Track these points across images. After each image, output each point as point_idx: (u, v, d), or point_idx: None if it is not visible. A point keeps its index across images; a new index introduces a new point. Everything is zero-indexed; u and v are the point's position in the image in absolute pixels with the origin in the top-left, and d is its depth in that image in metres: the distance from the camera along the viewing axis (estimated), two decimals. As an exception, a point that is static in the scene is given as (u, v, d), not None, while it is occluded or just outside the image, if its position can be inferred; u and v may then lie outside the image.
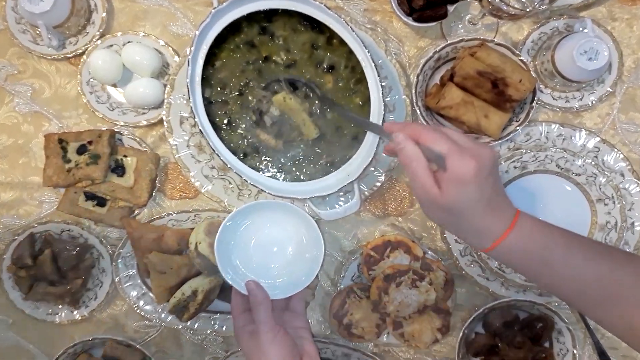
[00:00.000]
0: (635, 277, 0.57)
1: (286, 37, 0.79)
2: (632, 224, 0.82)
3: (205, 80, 0.77)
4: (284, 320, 0.71)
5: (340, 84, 0.79)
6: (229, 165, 0.75)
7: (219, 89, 0.79)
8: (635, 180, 0.81)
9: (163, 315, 0.85)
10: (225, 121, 0.79)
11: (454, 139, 0.56)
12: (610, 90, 0.83)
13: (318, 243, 0.73)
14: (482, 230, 0.58)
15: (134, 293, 0.86)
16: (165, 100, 0.82)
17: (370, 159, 0.74)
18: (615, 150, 0.82)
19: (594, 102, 0.83)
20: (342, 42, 0.75)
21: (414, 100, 0.80)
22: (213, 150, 0.75)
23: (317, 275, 0.82)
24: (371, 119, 0.76)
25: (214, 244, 0.72)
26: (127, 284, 0.86)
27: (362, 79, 0.76)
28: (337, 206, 0.80)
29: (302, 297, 0.74)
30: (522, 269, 0.62)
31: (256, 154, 0.79)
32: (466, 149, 0.56)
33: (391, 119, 0.82)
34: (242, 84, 0.79)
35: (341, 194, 0.82)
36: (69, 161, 0.83)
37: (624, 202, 0.81)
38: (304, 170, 0.80)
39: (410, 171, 0.57)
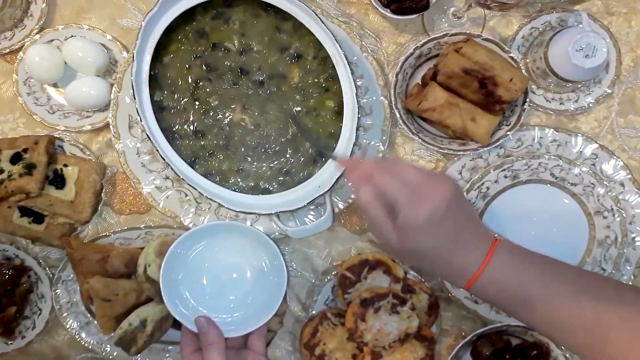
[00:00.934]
0: (621, 319, 0.50)
1: (243, 22, 0.70)
2: (634, 239, 0.75)
3: (154, 79, 0.68)
4: (242, 358, 0.63)
5: (309, 80, 0.70)
6: (181, 177, 0.66)
7: (168, 92, 0.70)
8: (637, 190, 0.74)
9: (109, 347, 0.75)
10: (177, 127, 0.70)
11: (407, 179, 0.51)
12: (608, 91, 0.76)
13: (280, 270, 0.65)
14: (453, 271, 0.55)
15: (76, 322, 0.75)
16: (112, 102, 0.72)
17: (344, 168, 0.66)
18: (615, 157, 0.74)
19: (590, 105, 0.76)
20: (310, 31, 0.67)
21: (393, 102, 0.72)
22: (162, 158, 0.66)
23: (284, 299, 0.73)
24: (344, 123, 0.68)
25: (160, 273, 0.62)
26: (69, 312, 0.75)
27: (335, 75, 0.67)
28: (307, 222, 0.73)
29: (263, 333, 0.65)
30: (499, 306, 0.57)
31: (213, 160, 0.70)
32: (418, 190, 0.51)
33: (368, 122, 0.73)
34: (192, 84, 0.70)
35: (312, 207, 0.73)
36: (1, 172, 0.73)
37: (624, 215, 0.74)
38: (269, 181, 0.71)
39: (368, 217, 0.54)
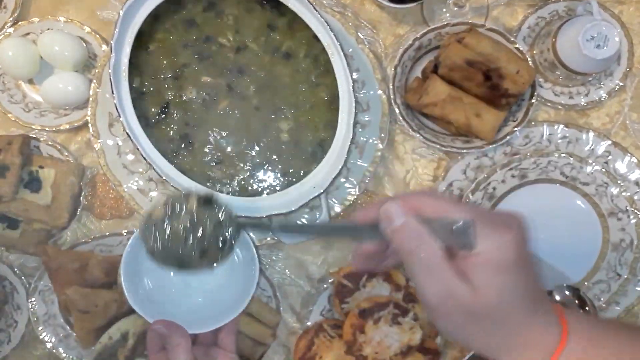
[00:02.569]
0: None
1: (237, 17, 0.65)
2: (650, 241, 0.70)
3: (134, 67, 0.63)
4: (212, 357, 0.59)
5: (298, 76, 0.66)
6: (165, 178, 0.61)
7: (149, 79, 0.65)
8: (652, 189, 0.69)
9: (89, 363, 0.70)
10: (156, 115, 0.65)
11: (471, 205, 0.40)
12: (620, 84, 0.71)
13: (252, 262, 0.61)
14: (529, 347, 0.39)
15: (54, 336, 0.70)
16: (91, 98, 0.67)
17: (340, 167, 0.62)
18: (629, 154, 0.70)
19: (602, 98, 0.71)
20: (306, 26, 0.62)
21: (392, 97, 0.67)
22: (144, 158, 0.61)
23: (277, 310, 0.69)
24: (340, 119, 0.63)
25: (121, 266, 0.58)
26: (47, 325, 0.71)
27: (328, 71, 0.63)
28: (301, 225, 0.67)
29: (233, 330, 0.61)
30: None
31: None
32: (492, 215, 0.40)
33: (366, 119, 0.69)
34: (177, 71, 0.65)
35: (306, 210, 0.68)
36: (-28, 174, 0.68)
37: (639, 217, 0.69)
38: (260, 181, 0.66)
39: (417, 262, 0.38)
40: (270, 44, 0.66)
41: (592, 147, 0.70)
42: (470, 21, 0.68)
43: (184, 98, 0.66)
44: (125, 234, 0.70)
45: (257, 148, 0.66)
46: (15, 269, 0.71)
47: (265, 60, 0.66)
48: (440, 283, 0.37)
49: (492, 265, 0.37)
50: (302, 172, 0.66)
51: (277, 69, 0.66)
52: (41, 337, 0.70)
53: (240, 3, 0.66)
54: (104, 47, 0.71)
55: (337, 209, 0.69)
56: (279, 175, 0.66)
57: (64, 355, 0.70)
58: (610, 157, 0.70)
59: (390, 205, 0.39)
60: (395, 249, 0.39)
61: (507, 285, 0.37)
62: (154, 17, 0.63)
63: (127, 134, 0.60)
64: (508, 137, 0.68)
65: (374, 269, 0.48)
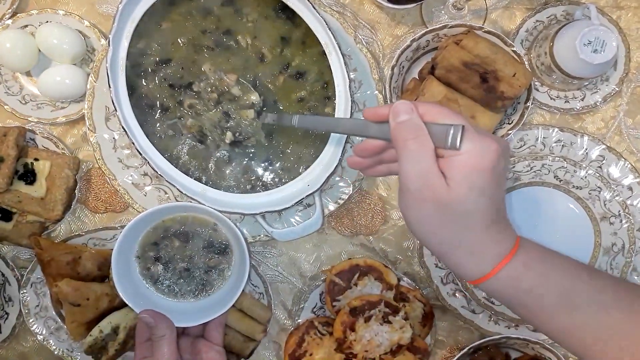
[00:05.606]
0: None
1: (256, 21, 0.65)
2: (642, 246, 0.70)
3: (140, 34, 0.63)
4: (198, 349, 0.59)
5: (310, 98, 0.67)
6: (159, 173, 0.62)
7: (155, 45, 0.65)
8: (645, 195, 0.70)
9: (79, 356, 0.70)
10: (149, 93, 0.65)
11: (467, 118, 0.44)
12: (617, 89, 0.71)
13: (243, 257, 0.60)
14: (482, 250, 0.44)
15: (45, 328, 0.70)
16: (88, 92, 0.67)
17: (335, 166, 0.62)
18: (622, 159, 0.70)
19: (597, 103, 0.71)
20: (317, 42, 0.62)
21: (388, 97, 0.68)
22: (139, 152, 0.61)
23: (268, 306, 0.69)
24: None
25: (112, 256, 0.58)
26: (38, 317, 0.70)
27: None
28: (294, 223, 0.68)
29: (221, 323, 0.62)
30: (511, 306, 0.48)
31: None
32: (483, 129, 0.44)
33: (362, 118, 0.69)
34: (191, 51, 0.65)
35: (300, 208, 0.68)
36: (-33, 165, 0.68)
37: (632, 221, 0.69)
38: (255, 178, 0.66)
39: (409, 150, 0.43)
40: (284, 57, 0.66)
41: (586, 151, 0.70)
42: (468, 23, 0.68)
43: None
44: (119, 228, 0.70)
45: (253, 149, 0.66)
46: (8, 261, 0.71)
47: (279, 80, 0.66)
48: (423, 171, 0.42)
49: (470, 165, 0.41)
50: (297, 169, 0.66)
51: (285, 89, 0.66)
52: (32, 329, 0.70)
53: (260, 6, 0.66)
54: (103, 41, 0.71)
55: (331, 207, 0.69)
56: (273, 172, 0.66)
57: (54, 347, 0.70)
58: (604, 162, 0.70)
59: (401, 103, 0.44)
60: (394, 139, 0.44)
61: (478, 185, 0.41)
62: (170, 3, 0.63)
63: (123, 128, 0.60)
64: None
65: (365, 171, 0.52)
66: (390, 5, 0.69)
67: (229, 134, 0.65)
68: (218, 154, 0.66)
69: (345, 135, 0.62)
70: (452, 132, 0.41)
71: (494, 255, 0.44)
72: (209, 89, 0.65)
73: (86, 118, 0.67)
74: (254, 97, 0.64)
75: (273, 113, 0.64)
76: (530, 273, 0.45)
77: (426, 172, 0.42)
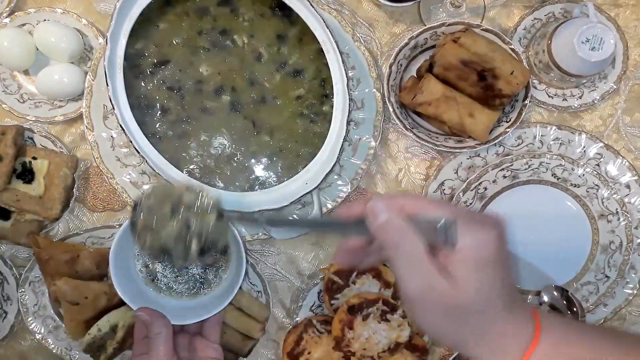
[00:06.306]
0: None
1: (252, 20, 0.65)
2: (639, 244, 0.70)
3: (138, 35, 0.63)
4: (195, 346, 0.59)
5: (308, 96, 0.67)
6: (157, 171, 0.62)
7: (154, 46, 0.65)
8: (643, 193, 0.70)
9: (78, 355, 0.70)
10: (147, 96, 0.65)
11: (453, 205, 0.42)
12: (614, 87, 0.71)
13: (239, 256, 0.60)
14: (504, 343, 0.39)
15: (44, 326, 0.70)
16: (86, 90, 0.67)
17: (332, 164, 0.62)
18: (620, 157, 0.70)
19: (595, 101, 0.71)
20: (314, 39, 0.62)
21: (386, 95, 0.67)
22: (137, 150, 0.61)
23: (266, 305, 0.69)
24: (334, 116, 0.63)
25: (110, 254, 0.58)
26: (36, 315, 0.70)
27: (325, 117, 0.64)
28: (292, 221, 0.67)
29: (218, 321, 0.61)
30: None
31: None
32: (474, 214, 0.41)
33: (360, 116, 0.69)
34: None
35: (298, 206, 0.68)
36: (-35, 164, 0.68)
37: (630, 219, 0.69)
38: (253, 177, 0.66)
39: (400, 256, 0.39)
40: (281, 55, 0.66)
41: (584, 149, 0.71)
42: (466, 21, 0.68)
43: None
44: (117, 226, 0.70)
45: (252, 147, 0.66)
46: (6, 259, 0.71)
47: (276, 78, 0.66)
48: (422, 277, 0.38)
49: (472, 261, 0.38)
50: (295, 168, 0.66)
51: (283, 87, 0.66)
52: (30, 327, 0.70)
53: (255, 4, 0.66)
54: (101, 39, 0.71)
55: (329, 205, 0.69)
56: (271, 170, 0.66)
57: (53, 346, 0.70)
58: (601, 160, 0.70)
59: (375, 202, 0.40)
60: (380, 244, 0.40)
61: (485, 280, 0.38)
62: (166, 2, 0.63)
63: (121, 126, 0.60)
64: (501, 137, 0.68)
65: (357, 266, 0.49)
66: (388, 3, 0.69)
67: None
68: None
69: (344, 134, 0.62)
70: (445, 229, 0.38)
71: (518, 344, 0.40)
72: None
73: (84, 116, 0.67)
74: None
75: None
76: (562, 350, 0.41)
77: (424, 277, 0.38)
